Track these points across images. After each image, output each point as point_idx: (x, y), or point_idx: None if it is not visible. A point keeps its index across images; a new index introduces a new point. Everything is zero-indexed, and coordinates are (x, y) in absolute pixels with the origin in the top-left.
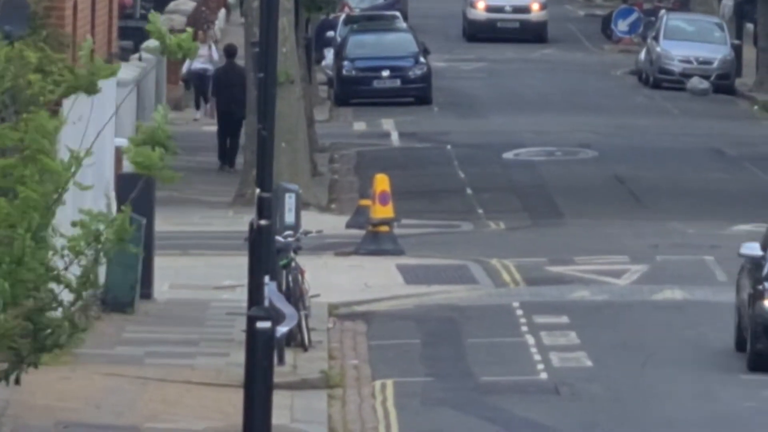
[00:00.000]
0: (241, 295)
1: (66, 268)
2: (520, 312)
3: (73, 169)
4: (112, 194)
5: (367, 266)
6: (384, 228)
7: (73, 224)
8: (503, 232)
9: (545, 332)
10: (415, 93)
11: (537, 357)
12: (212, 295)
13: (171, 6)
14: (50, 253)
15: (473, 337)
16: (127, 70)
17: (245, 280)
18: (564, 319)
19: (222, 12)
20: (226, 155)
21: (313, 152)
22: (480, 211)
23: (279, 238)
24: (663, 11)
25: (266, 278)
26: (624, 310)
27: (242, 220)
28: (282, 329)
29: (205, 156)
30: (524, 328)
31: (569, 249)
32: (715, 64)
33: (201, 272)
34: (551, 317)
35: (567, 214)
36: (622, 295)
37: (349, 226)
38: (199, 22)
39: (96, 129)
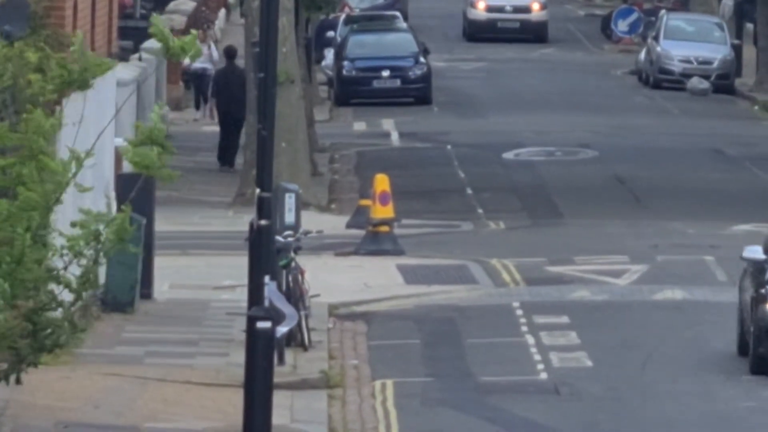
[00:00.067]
0: (241, 295)
1: (65, 268)
2: (520, 312)
3: (73, 170)
4: (112, 194)
5: (367, 266)
6: (384, 228)
7: (73, 224)
8: (503, 232)
9: (545, 332)
10: (415, 93)
11: (537, 357)
12: (212, 295)
13: (171, 6)
14: (50, 253)
15: (473, 337)
16: (127, 70)
17: (245, 280)
18: (564, 319)
19: (222, 12)
20: (226, 155)
21: (313, 152)
22: (480, 211)
23: (279, 238)
24: (663, 11)
25: (266, 278)
26: (624, 310)
27: (242, 220)
28: (282, 329)
29: (205, 156)
30: (524, 328)
31: (569, 249)
32: (715, 64)
33: (201, 272)
34: (551, 317)
35: (567, 214)
36: (622, 295)
37: (349, 226)
38: (199, 21)
39: (95, 129)
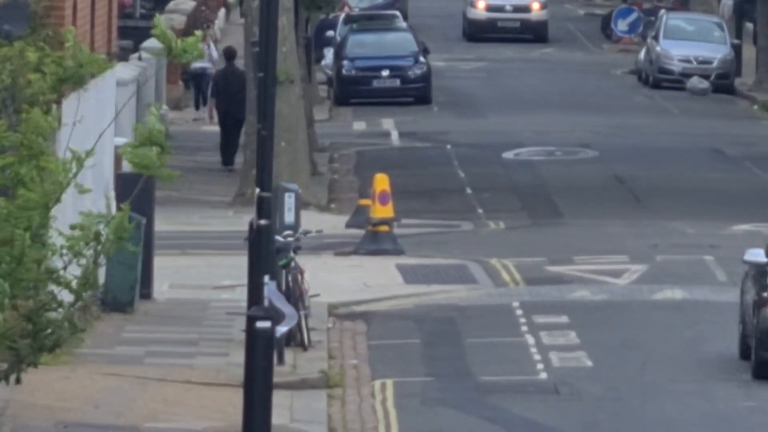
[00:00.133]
0: (241, 295)
1: (65, 268)
2: (519, 312)
3: (74, 170)
4: (112, 194)
5: (366, 266)
6: (384, 228)
7: (73, 227)
8: (503, 232)
9: (545, 332)
10: (415, 93)
11: (537, 357)
12: (212, 294)
13: (171, 5)
14: (49, 252)
15: (473, 336)
16: (127, 70)
17: (245, 280)
18: (564, 319)
19: (222, 11)
20: (226, 155)
21: (313, 152)
22: (480, 210)
23: (278, 237)
24: (663, 11)
25: (266, 278)
26: (624, 309)
27: (242, 220)
28: (281, 329)
29: (205, 156)
30: (524, 328)
31: (569, 249)
32: (715, 64)
33: (201, 272)
34: (551, 317)
35: (567, 213)
36: (621, 295)
37: (348, 225)
38: (199, 21)
39: (95, 128)
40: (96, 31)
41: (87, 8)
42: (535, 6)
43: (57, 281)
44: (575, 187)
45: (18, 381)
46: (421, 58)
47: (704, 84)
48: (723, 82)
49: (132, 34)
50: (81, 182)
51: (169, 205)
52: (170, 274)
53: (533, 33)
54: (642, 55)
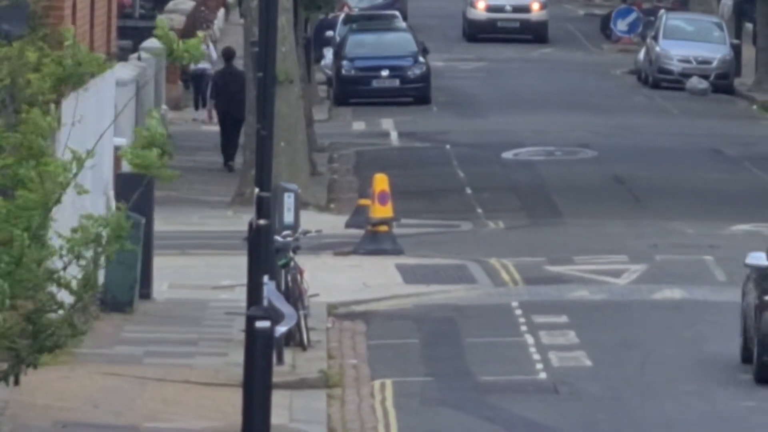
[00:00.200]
0: (240, 295)
1: (65, 269)
2: (519, 311)
3: (74, 170)
4: (111, 193)
5: (366, 266)
6: (383, 228)
7: (74, 230)
8: (502, 232)
9: (544, 332)
10: (415, 93)
11: (536, 356)
12: (211, 294)
13: (170, 5)
14: (48, 252)
15: (472, 336)
16: (127, 70)
17: (244, 280)
18: (563, 319)
19: (221, 11)
20: (226, 155)
21: (312, 152)
22: (479, 210)
23: (278, 237)
24: (662, 11)
25: (265, 278)
26: (623, 309)
27: (241, 220)
28: (281, 329)
29: (204, 156)
30: (523, 328)
31: (568, 248)
32: (715, 64)
33: (200, 272)
34: (550, 317)
35: (566, 213)
36: (621, 295)
37: (348, 225)
38: (198, 21)
39: (95, 128)
40: (95, 31)
41: (86, 8)
42: (535, 6)
43: (58, 282)
44: (575, 187)
45: (17, 383)
46: (421, 58)
47: (704, 84)
48: (722, 82)
49: (131, 34)
50: (80, 182)
51: (169, 205)
52: (169, 274)
53: (533, 33)
54: (641, 55)
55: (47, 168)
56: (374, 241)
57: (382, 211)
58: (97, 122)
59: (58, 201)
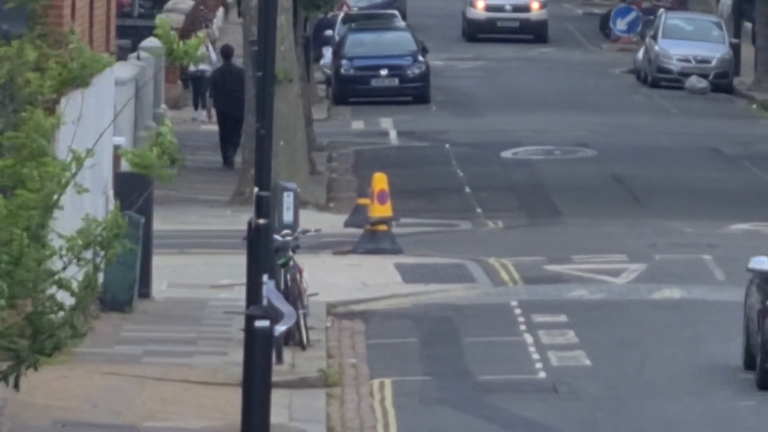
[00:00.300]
0: (240, 294)
1: (64, 268)
2: (518, 311)
3: (73, 170)
4: (110, 192)
5: (365, 265)
6: (382, 227)
7: (79, 233)
8: (501, 231)
9: (543, 331)
10: (414, 92)
11: (535, 356)
12: (210, 294)
13: (169, 5)
14: (48, 252)
15: (471, 336)
16: (126, 69)
17: (243, 279)
18: (562, 318)
19: (220, 10)
20: (225, 154)
21: (312, 151)
22: (478, 210)
23: (277, 236)
24: (661, 10)
25: (264, 277)
26: (622, 308)
27: (240, 219)
28: (280, 328)
29: (204, 155)
30: (522, 327)
31: (567, 248)
32: (714, 63)
33: (199, 271)
34: (549, 316)
35: (565, 213)
36: (620, 294)
37: (347, 224)
38: (197, 20)
39: (94, 127)
40: (94, 30)
41: (85, 7)
42: (535, 6)
43: (59, 284)
44: (574, 186)
45: (16, 384)
46: (420, 58)
47: (703, 83)
48: (721, 82)
49: (130, 34)
50: (80, 182)
51: (168, 204)
52: (169, 273)
53: (533, 33)
54: (641, 54)
55: (47, 168)
56: (373, 240)
57: (381, 210)
58: (96, 121)
59: (57, 201)
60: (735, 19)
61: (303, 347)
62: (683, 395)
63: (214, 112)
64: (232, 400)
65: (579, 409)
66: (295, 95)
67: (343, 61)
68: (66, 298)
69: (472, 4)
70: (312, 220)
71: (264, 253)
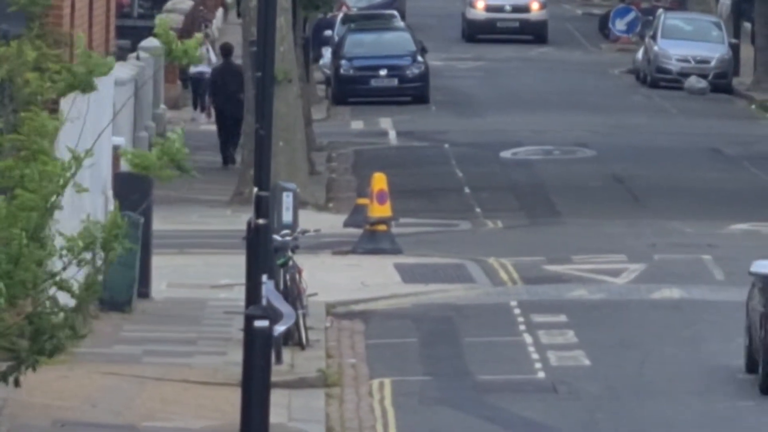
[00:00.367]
0: (239, 294)
1: (64, 269)
2: (517, 311)
3: (73, 170)
4: (110, 193)
5: (364, 265)
6: (381, 227)
7: (80, 235)
8: (501, 231)
9: (543, 331)
10: (413, 92)
11: (535, 356)
12: (210, 294)
13: (168, 5)
14: (47, 252)
15: (471, 336)
16: (125, 69)
17: (243, 279)
18: (562, 318)
19: (219, 11)
20: (225, 153)
21: (311, 151)
22: (478, 210)
23: (276, 237)
24: (661, 10)
25: (264, 277)
26: (622, 308)
27: (240, 219)
28: (279, 328)
29: (203, 155)
30: (522, 327)
31: (567, 248)
32: (713, 63)
33: (199, 271)
34: (549, 316)
35: (565, 213)
36: (620, 294)
37: (346, 224)
38: (197, 21)
39: (93, 127)
40: (94, 31)
41: (85, 7)
42: (535, 6)
43: (59, 285)
44: (573, 186)
45: (17, 384)
46: (419, 58)
47: (702, 83)
48: (721, 82)
49: (130, 34)
50: (79, 182)
51: (167, 204)
52: (168, 273)
53: (533, 33)
54: (640, 54)
55: (46, 168)
56: (373, 240)
57: (380, 210)
58: (95, 121)
59: (57, 201)
60: (734, 20)
61: (302, 347)
62: (683, 395)
63: (213, 112)
64: (232, 400)
65: (579, 409)
66: (294, 96)
67: (343, 62)
68: (66, 299)
69: (472, 5)
70: (311, 220)
71: (263, 253)
